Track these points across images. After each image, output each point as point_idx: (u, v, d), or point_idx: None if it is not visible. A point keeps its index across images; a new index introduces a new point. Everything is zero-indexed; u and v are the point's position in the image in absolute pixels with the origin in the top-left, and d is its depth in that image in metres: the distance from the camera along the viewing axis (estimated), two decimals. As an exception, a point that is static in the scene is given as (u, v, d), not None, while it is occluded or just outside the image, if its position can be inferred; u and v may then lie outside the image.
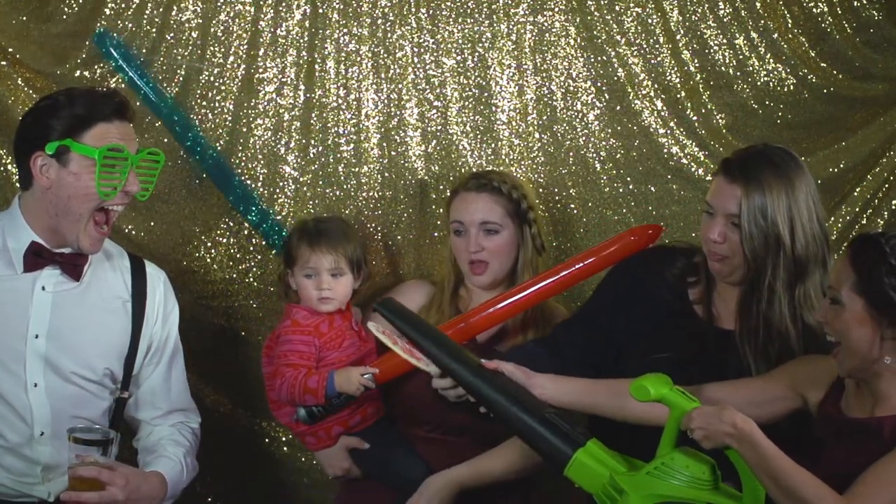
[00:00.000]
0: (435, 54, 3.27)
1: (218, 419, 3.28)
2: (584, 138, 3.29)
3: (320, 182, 3.28)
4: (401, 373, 2.83)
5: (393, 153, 3.29)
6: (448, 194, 3.13)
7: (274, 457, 3.35)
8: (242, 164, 3.27)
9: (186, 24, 3.23)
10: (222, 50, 3.24)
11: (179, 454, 2.71)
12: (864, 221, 3.26)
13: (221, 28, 3.23)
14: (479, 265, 2.98)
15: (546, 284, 2.90)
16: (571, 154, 3.29)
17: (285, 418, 2.99)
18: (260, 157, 3.27)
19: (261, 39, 3.24)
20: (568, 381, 2.52)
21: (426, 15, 3.26)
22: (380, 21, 3.26)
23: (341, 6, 3.26)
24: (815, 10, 3.25)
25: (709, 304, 2.68)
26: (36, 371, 2.56)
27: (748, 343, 2.57)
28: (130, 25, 3.21)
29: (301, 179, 3.28)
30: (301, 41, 3.26)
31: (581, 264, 2.89)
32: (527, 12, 3.26)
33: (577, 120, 3.29)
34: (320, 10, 3.25)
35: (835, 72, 3.26)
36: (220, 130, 3.26)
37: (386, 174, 3.29)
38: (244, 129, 3.26)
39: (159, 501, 2.62)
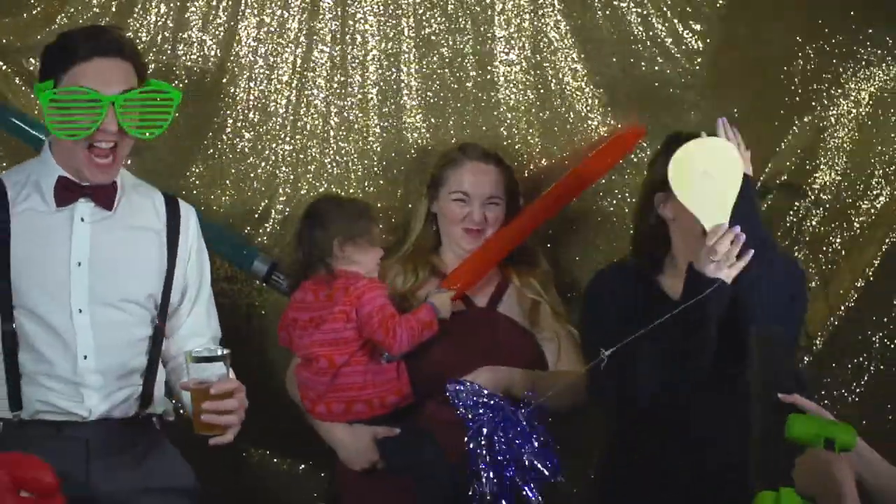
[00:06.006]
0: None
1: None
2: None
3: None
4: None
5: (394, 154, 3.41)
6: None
7: (300, 430, 3.27)
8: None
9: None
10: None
11: None
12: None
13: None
14: (474, 232, 3.07)
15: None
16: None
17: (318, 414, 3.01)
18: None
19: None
20: None
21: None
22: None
23: (333, 6, 3.35)
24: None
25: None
26: (80, 297, 2.62)
27: None
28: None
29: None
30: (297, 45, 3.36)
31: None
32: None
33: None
34: (314, 9, 3.34)
35: None
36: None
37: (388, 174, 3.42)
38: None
39: None
